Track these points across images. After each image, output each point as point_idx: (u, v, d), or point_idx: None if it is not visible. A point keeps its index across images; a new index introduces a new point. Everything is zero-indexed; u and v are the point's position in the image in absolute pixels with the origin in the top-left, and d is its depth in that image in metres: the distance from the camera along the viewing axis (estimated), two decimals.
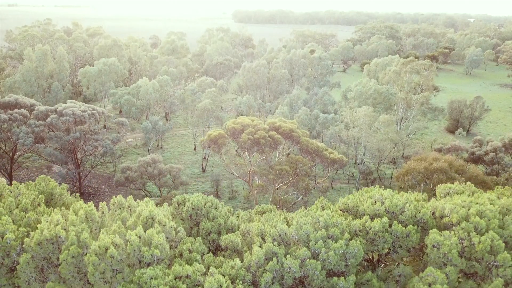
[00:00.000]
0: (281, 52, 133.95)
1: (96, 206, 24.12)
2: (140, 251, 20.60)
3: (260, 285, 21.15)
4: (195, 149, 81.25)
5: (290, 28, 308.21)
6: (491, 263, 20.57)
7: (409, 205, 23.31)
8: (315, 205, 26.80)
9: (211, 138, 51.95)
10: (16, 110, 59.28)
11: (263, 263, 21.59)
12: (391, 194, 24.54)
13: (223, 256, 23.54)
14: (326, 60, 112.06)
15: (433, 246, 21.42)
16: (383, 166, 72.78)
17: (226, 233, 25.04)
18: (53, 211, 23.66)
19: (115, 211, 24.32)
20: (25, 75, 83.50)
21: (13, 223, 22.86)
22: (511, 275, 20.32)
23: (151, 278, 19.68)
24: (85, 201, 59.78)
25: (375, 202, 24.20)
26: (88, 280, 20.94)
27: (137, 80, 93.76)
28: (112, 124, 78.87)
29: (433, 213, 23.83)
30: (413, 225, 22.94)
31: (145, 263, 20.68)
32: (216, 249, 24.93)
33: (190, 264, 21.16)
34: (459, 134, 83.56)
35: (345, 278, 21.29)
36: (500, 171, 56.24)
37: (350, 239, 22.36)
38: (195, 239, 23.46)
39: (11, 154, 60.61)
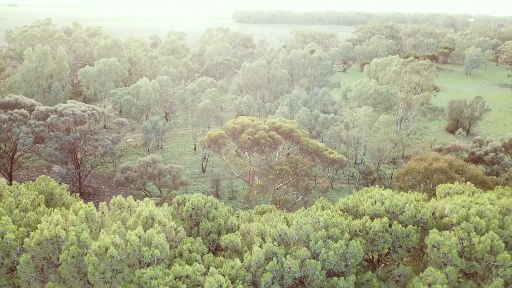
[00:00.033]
0: (281, 52, 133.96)
1: (96, 206, 24.13)
2: (140, 251, 20.60)
3: (260, 285, 21.16)
4: (195, 149, 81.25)
5: (290, 28, 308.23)
6: (491, 263, 20.58)
7: (409, 205, 23.31)
8: (315, 205, 26.80)
9: (211, 138, 51.95)
10: (16, 110, 59.29)
11: (263, 263, 21.59)
12: (391, 194, 24.54)
13: (223, 256, 23.54)
14: (326, 60, 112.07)
15: (433, 246, 21.42)
16: (383, 166, 72.79)
17: (226, 233, 25.04)
18: (53, 211, 23.67)
19: (115, 211, 24.33)
20: (25, 75, 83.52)
21: (13, 223, 22.87)
22: (511, 275, 20.33)
23: (151, 278, 19.68)
24: (85, 201, 59.70)
25: (375, 202, 24.20)
26: (88, 280, 20.94)
27: (137, 80, 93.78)
28: (112, 124, 78.87)
29: (433, 213, 23.84)
30: (413, 225, 22.95)
31: (145, 263, 20.69)
32: (216, 249, 24.93)
33: (190, 264, 21.16)
34: (459, 134, 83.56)
35: (345, 278, 21.29)
36: (500, 171, 56.24)
37: (350, 239, 22.36)
38: (195, 239, 23.46)
39: (11, 154, 60.62)
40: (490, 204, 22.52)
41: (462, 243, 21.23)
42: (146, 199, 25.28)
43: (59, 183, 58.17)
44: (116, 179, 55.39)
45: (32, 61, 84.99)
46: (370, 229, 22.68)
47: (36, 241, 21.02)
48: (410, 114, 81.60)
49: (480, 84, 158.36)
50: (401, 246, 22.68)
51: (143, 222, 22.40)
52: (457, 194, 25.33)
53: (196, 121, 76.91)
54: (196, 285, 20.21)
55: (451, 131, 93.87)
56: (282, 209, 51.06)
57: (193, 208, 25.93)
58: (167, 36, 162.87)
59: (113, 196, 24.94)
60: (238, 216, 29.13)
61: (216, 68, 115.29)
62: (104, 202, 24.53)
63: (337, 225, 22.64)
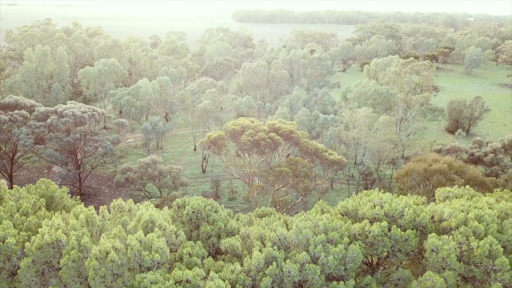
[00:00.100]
0: (281, 52, 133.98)
1: (97, 208, 24.24)
2: (141, 255, 20.71)
3: None
4: (195, 149, 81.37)
5: (290, 27, 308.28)
6: (490, 268, 20.68)
7: (408, 209, 23.42)
8: (315, 208, 26.91)
9: (211, 139, 52.05)
10: (16, 111, 59.45)
11: (263, 267, 21.70)
12: (390, 198, 24.64)
13: (223, 260, 23.65)
14: (326, 60, 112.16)
15: (432, 250, 21.53)
16: (383, 166, 72.91)
17: (226, 237, 25.14)
18: (54, 215, 23.76)
19: (116, 214, 24.43)
20: (25, 75, 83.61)
21: (14, 227, 22.96)
22: (509, 279, 20.44)
23: (152, 283, 19.79)
24: (85, 202, 59.88)
25: (375, 206, 24.30)
26: (89, 285, 21.04)
27: (137, 80, 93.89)
28: (112, 125, 78.93)
29: (432, 217, 23.94)
30: (412, 229, 23.06)
31: (146, 267, 20.79)
32: (216, 253, 25.04)
33: (190, 269, 21.27)
34: (459, 134, 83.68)
35: (344, 282, 21.40)
36: (499, 172, 56.33)
37: (350, 243, 22.47)
38: (195, 243, 23.57)
39: (11, 155, 60.75)
40: (489, 208, 22.62)
41: (461, 248, 21.34)
42: (146, 202, 25.38)
43: (59, 184, 58.43)
44: (116, 180, 55.52)
45: (32, 62, 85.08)
46: (369, 233, 22.78)
47: (37, 246, 21.11)
48: (409, 115, 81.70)
49: (480, 84, 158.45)
50: (400, 250, 22.79)
51: (144, 226, 22.50)
52: (456, 198, 25.44)
53: (196, 121, 77.04)
54: None
55: (451, 131, 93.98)
56: (282, 210, 51.30)
57: (193, 212, 26.03)
58: (167, 36, 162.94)
59: (113, 200, 25.06)
60: (238, 220, 29.24)
61: (216, 68, 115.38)
62: (105, 206, 24.63)
63: (336, 229, 22.75)
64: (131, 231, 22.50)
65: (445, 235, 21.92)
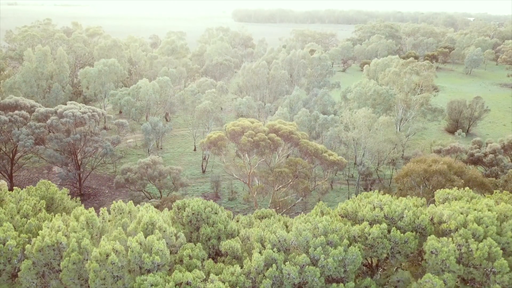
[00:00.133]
0: (281, 53, 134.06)
1: (97, 208, 24.30)
2: (141, 257, 20.77)
3: None
4: (195, 149, 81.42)
5: (290, 27, 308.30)
6: (489, 270, 20.74)
7: (408, 211, 23.47)
8: (315, 210, 26.97)
9: (211, 140, 52.09)
10: (16, 111, 59.51)
11: (263, 269, 21.76)
12: (390, 200, 24.70)
13: (223, 262, 23.71)
14: (326, 61, 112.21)
15: (431, 252, 21.58)
16: (383, 167, 72.99)
17: (226, 239, 25.21)
18: (54, 216, 23.83)
19: (116, 216, 24.49)
20: (25, 75, 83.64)
21: (15, 229, 23.03)
22: (508, 282, 20.50)
23: (152, 285, 19.85)
24: (86, 202, 59.99)
25: (374, 208, 24.36)
26: (89, 287, 21.10)
27: (137, 80, 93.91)
28: (112, 125, 78.99)
29: (432, 219, 23.99)
30: (412, 231, 23.10)
31: (146, 269, 20.85)
32: (216, 255, 25.10)
33: (190, 271, 21.33)
34: (459, 134, 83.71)
35: (344, 284, 21.47)
36: (499, 172, 56.39)
37: (349, 245, 22.53)
38: (195, 245, 23.63)
39: (11, 155, 60.79)
40: (488, 210, 22.67)
41: (460, 250, 21.39)
42: (146, 204, 25.44)
43: (59, 185, 58.45)
44: (116, 181, 55.55)
45: (32, 62, 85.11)
46: (369, 235, 22.84)
47: (37, 248, 21.18)
48: (409, 115, 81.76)
49: (479, 83, 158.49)
50: (399, 252, 22.85)
51: (144, 228, 22.56)
52: (456, 199, 25.49)
53: (196, 122, 77.07)
54: None
55: (451, 131, 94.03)
56: (282, 210, 51.36)
57: (193, 213, 26.09)
58: (167, 36, 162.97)
59: (114, 201, 25.11)
60: (237, 221, 29.30)
61: (216, 68, 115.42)
62: (105, 208, 24.69)
63: (336, 231, 22.81)
64: (131, 233, 22.57)
65: (444, 237, 21.98)
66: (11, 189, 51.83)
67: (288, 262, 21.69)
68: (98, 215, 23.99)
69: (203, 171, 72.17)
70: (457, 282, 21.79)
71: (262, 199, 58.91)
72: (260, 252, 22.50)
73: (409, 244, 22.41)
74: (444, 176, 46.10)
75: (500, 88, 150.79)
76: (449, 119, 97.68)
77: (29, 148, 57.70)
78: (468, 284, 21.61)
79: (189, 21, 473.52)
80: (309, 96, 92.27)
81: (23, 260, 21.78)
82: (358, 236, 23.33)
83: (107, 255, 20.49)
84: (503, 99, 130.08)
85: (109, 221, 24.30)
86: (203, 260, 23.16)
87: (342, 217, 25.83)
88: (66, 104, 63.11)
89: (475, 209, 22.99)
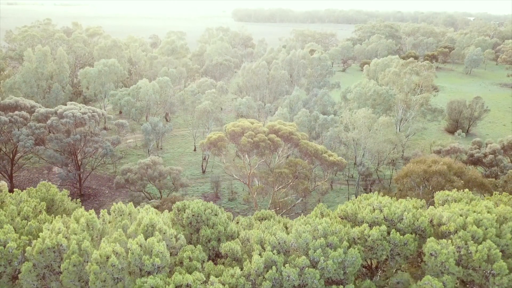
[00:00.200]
0: (280, 53, 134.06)
1: (97, 209, 24.36)
2: (141, 259, 20.82)
3: None
4: (195, 150, 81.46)
5: (290, 26, 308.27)
6: (488, 272, 20.80)
7: (408, 213, 23.53)
8: (314, 212, 27.02)
9: (211, 141, 52.13)
10: (16, 112, 59.55)
11: (263, 271, 21.81)
12: (390, 202, 24.75)
13: (223, 263, 23.76)
14: (326, 61, 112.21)
15: (431, 254, 21.65)
16: (383, 167, 73.04)
17: (226, 240, 25.25)
18: (55, 218, 23.87)
19: (116, 218, 24.54)
20: (25, 76, 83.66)
21: (15, 231, 23.07)
22: (507, 284, 20.56)
23: (152, 287, 19.89)
24: (86, 203, 59.98)
25: (374, 210, 24.42)
26: None
27: (137, 80, 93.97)
28: (112, 126, 79.03)
29: (431, 221, 24.05)
30: (411, 233, 23.17)
31: (146, 271, 20.90)
32: (216, 256, 25.14)
33: (190, 273, 21.38)
34: (458, 134, 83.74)
35: (343, 286, 21.52)
36: (499, 173, 56.43)
37: (349, 247, 22.58)
38: (195, 247, 23.68)
39: (11, 155, 60.84)
40: (488, 212, 22.73)
41: (460, 252, 21.45)
42: (146, 205, 25.49)
43: (59, 185, 58.45)
44: (116, 181, 55.58)
45: (32, 62, 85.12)
46: (368, 237, 22.90)
47: (37, 250, 21.23)
48: (409, 115, 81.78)
49: (479, 83, 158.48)
50: (399, 254, 22.91)
51: (144, 230, 22.61)
52: (455, 201, 25.55)
53: (196, 122, 77.12)
54: None
55: (451, 131, 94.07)
56: (282, 211, 51.42)
57: (193, 215, 26.13)
58: (167, 36, 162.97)
59: (114, 203, 25.16)
60: (237, 223, 29.35)
61: (216, 69, 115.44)
62: (105, 209, 24.73)
63: (335, 233, 22.86)
64: (132, 235, 22.61)
65: (444, 239, 22.04)
66: (11, 190, 51.94)
67: (288, 264, 21.75)
68: (98, 217, 24.05)
69: (203, 172, 72.21)
70: (456, 284, 21.85)
71: (262, 200, 58.96)
72: (260, 254, 22.55)
73: (408, 246, 22.47)
74: (444, 176, 46.16)
75: (500, 88, 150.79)
76: (449, 119, 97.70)
77: (29, 149, 57.74)
78: (467, 286, 21.68)
79: (189, 21, 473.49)
80: (309, 96, 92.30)
81: (24, 262, 21.82)
82: (358, 238, 23.39)
83: (108, 257, 20.55)
84: (503, 99, 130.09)
85: (109, 222, 24.36)
86: (203, 262, 23.21)
87: (342, 219, 25.89)
88: (66, 105, 63.15)
89: (474, 211, 23.05)
